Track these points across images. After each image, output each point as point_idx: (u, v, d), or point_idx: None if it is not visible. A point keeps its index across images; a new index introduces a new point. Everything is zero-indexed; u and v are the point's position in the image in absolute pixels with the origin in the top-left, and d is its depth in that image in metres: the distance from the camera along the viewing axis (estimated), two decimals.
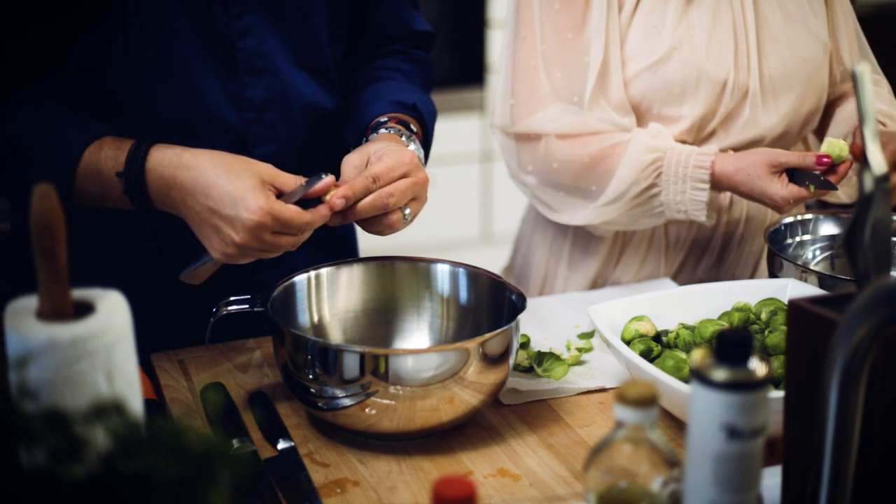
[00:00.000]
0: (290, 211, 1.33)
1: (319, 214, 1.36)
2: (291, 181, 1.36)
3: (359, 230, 1.78)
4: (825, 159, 1.58)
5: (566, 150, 1.69)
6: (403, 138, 1.53)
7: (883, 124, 1.72)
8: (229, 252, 1.35)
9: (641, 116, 1.70)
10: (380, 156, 1.42)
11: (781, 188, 1.59)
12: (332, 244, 1.69)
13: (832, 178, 1.59)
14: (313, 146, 1.61)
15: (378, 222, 1.43)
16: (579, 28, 1.69)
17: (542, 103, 1.71)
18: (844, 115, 1.78)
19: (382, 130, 1.53)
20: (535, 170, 1.73)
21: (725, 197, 1.78)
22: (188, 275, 1.42)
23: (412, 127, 1.57)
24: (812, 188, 1.58)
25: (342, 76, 1.67)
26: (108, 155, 1.38)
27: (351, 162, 1.43)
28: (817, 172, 1.58)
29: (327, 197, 1.36)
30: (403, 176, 1.41)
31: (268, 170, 1.36)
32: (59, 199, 1.31)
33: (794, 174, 1.60)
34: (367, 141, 1.53)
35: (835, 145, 1.59)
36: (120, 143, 1.38)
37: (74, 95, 1.44)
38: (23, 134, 1.39)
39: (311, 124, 1.59)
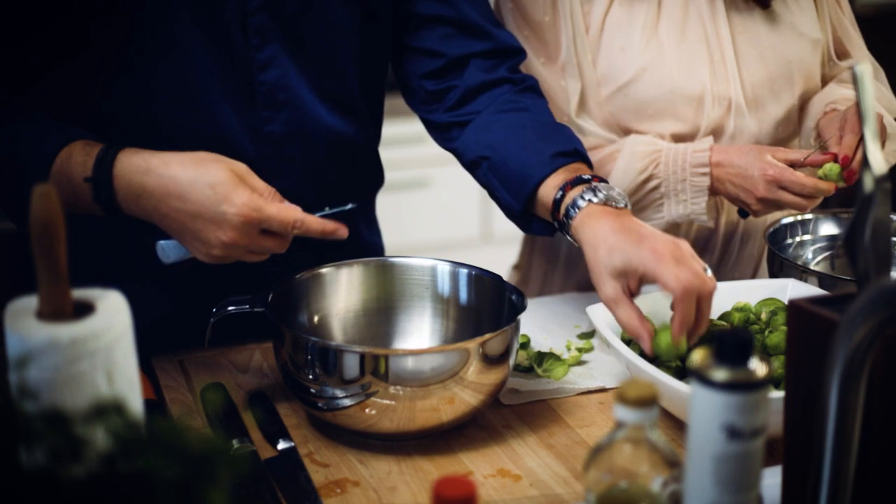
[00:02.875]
0: (274, 207, 1.31)
1: (318, 221, 1.34)
2: (262, 186, 1.34)
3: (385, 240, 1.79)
4: (827, 155, 1.58)
5: None
6: (616, 205, 1.40)
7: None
8: (214, 253, 1.33)
9: (623, 134, 1.69)
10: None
11: (775, 162, 1.58)
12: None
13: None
14: (333, 175, 1.58)
15: None
16: (552, 54, 1.68)
17: None
18: (814, 104, 1.75)
19: (582, 203, 1.40)
20: None
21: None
22: (163, 245, 1.39)
23: (599, 188, 1.41)
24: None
25: (426, 98, 1.62)
26: (77, 161, 1.35)
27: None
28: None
29: None
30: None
31: (241, 168, 1.34)
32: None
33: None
34: (569, 218, 1.40)
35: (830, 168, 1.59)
36: (90, 149, 1.35)
37: (91, 118, 1.43)
38: None
39: (333, 155, 1.57)
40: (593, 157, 1.66)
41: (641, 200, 1.67)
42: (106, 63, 1.41)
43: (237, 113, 1.47)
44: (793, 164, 1.59)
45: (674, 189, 1.64)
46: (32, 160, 1.35)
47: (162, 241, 1.39)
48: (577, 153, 1.50)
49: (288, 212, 1.33)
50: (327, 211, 1.39)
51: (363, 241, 1.72)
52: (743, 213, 1.68)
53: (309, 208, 1.37)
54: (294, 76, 1.49)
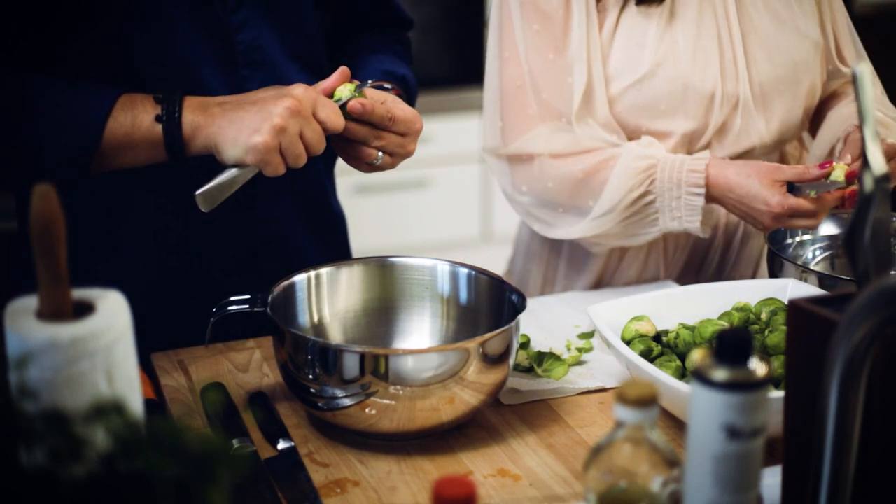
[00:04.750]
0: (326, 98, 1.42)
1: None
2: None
3: (351, 229, 1.81)
4: (827, 165, 1.57)
5: (560, 168, 1.67)
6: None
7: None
8: (275, 123, 1.35)
9: (630, 133, 1.68)
10: (402, 107, 1.47)
11: (779, 194, 1.56)
12: (331, 236, 1.74)
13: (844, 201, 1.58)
14: None
15: (353, 149, 1.48)
16: (561, 49, 1.67)
17: (531, 124, 1.69)
18: (836, 117, 1.75)
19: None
20: (529, 189, 1.71)
21: None
22: (203, 193, 1.39)
23: (402, 98, 1.60)
24: (813, 193, 1.56)
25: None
26: (142, 96, 1.40)
27: (370, 91, 1.48)
28: (819, 179, 1.56)
29: (343, 94, 1.44)
30: (404, 133, 1.47)
31: None
32: (80, 161, 1.35)
33: (793, 188, 1.58)
34: None
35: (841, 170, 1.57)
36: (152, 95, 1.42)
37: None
38: (44, 96, 1.39)
39: None
40: (589, 159, 1.65)
41: (636, 213, 1.66)
42: (88, 28, 1.43)
43: (218, 73, 1.51)
44: (797, 182, 1.58)
45: (668, 206, 1.63)
46: (96, 95, 1.39)
47: (198, 191, 1.39)
48: (403, 79, 1.66)
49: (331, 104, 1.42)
50: (369, 84, 1.48)
51: (334, 211, 1.76)
52: None
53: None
54: (267, 37, 1.54)
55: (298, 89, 1.39)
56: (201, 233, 1.55)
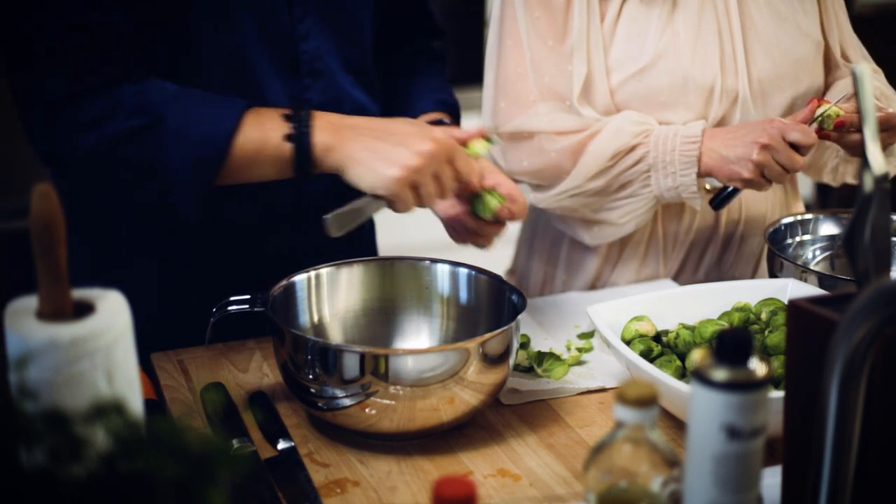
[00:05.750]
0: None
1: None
2: None
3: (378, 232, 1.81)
4: (811, 102, 1.64)
5: (562, 141, 1.68)
6: None
7: (877, 99, 1.71)
8: (409, 163, 1.35)
9: None
10: (518, 191, 1.52)
11: (783, 119, 1.62)
12: (358, 239, 1.73)
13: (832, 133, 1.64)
14: None
15: (470, 237, 1.59)
16: (561, 36, 1.69)
17: (531, 108, 1.71)
18: (843, 84, 1.77)
19: None
20: (530, 164, 1.72)
21: None
22: (334, 216, 1.37)
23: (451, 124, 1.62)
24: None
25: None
26: (269, 112, 1.40)
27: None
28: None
29: (479, 149, 1.45)
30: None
31: None
32: (205, 176, 1.36)
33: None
34: None
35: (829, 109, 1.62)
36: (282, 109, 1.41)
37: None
38: (174, 109, 1.38)
39: None
40: (576, 137, 1.66)
41: (627, 171, 1.66)
42: (155, 27, 1.42)
43: (281, 81, 1.51)
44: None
45: (661, 161, 1.64)
46: (223, 110, 1.39)
47: (328, 215, 1.38)
48: (454, 107, 1.72)
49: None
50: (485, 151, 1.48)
51: (365, 240, 1.76)
52: (717, 200, 1.68)
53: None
54: (325, 48, 1.54)
55: (440, 133, 1.39)
56: (227, 235, 1.55)
